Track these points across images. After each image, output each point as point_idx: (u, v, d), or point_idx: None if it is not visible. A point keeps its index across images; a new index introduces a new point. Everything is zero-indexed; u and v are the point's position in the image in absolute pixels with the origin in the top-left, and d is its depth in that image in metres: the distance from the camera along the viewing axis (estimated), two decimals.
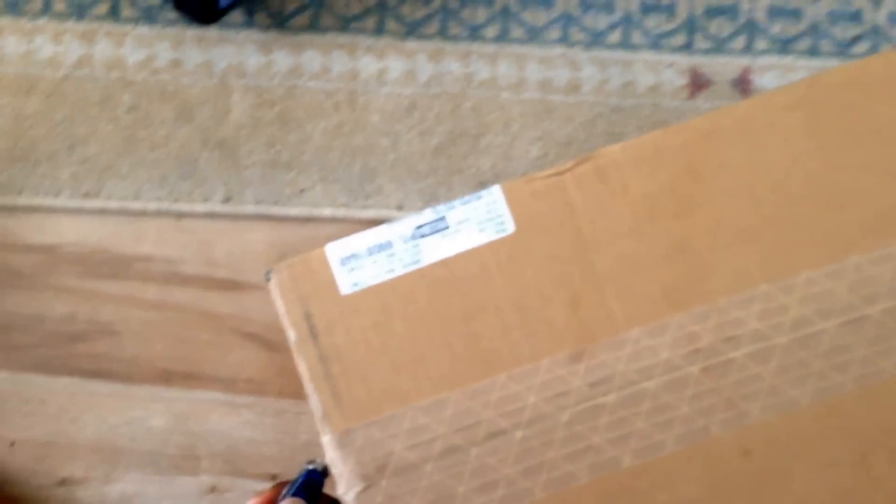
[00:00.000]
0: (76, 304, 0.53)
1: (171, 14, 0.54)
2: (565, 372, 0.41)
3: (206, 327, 0.53)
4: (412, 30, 0.55)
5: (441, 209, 0.42)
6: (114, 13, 0.54)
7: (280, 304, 0.41)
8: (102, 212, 0.54)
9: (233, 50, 0.55)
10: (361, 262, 0.41)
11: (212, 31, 0.54)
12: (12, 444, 0.51)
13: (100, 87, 0.54)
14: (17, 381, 0.52)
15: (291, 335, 0.41)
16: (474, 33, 0.56)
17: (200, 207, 0.54)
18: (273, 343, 0.53)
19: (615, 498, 0.41)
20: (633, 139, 0.42)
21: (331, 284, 0.41)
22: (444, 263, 0.41)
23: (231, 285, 0.54)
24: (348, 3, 0.55)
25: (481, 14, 0.55)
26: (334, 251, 0.41)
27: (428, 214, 0.42)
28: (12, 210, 0.53)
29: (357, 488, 0.40)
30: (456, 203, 0.42)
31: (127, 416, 0.52)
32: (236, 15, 0.54)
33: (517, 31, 0.56)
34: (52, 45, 0.54)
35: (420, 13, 0.55)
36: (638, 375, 0.41)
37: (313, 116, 0.55)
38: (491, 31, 0.56)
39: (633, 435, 0.41)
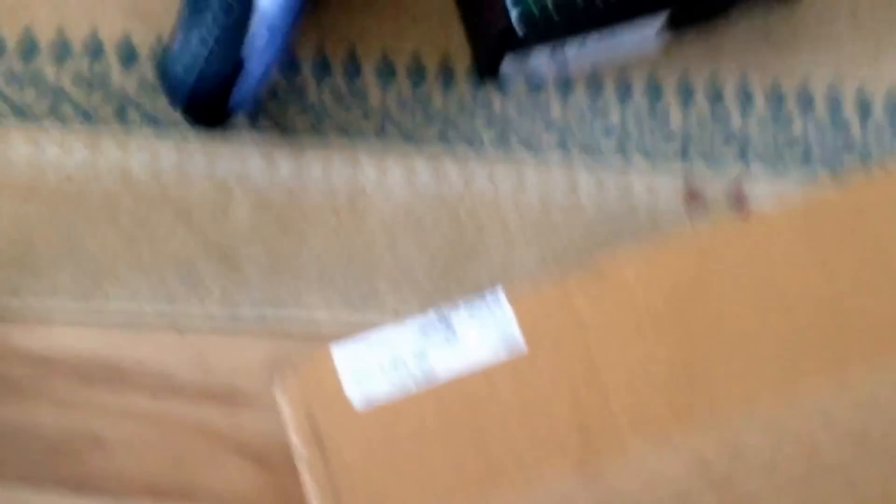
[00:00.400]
0: (67, 415, 0.53)
1: (177, 118, 0.55)
2: (570, 486, 0.41)
3: (199, 442, 0.52)
4: (412, 136, 0.56)
5: (446, 315, 0.42)
6: (120, 117, 0.55)
7: (287, 414, 0.41)
8: (99, 317, 0.54)
9: (235, 153, 0.55)
10: (371, 374, 0.41)
11: (215, 135, 0.55)
12: None
13: (102, 189, 0.55)
14: (2, 493, 0.50)
15: (297, 446, 0.41)
16: (473, 141, 0.57)
17: (198, 311, 0.54)
18: (269, 460, 0.52)
19: None
20: (638, 251, 0.43)
21: (339, 396, 0.41)
22: (453, 377, 0.42)
23: (225, 395, 0.53)
24: (350, 108, 0.56)
25: (480, 122, 0.57)
26: (343, 361, 0.42)
27: (434, 321, 0.42)
28: (6, 314, 0.53)
29: None
30: (461, 309, 0.42)
31: None
32: (240, 119, 0.55)
33: (516, 140, 0.57)
34: (57, 149, 0.55)
35: (420, 119, 0.57)
36: (643, 490, 0.41)
37: (313, 220, 0.55)
38: (489, 139, 0.57)
39: None
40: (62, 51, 0.55)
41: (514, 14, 0.48)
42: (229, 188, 0.55)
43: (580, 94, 0.57)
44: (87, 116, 0.55)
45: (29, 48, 0.55)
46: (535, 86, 0.57)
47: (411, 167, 0.56)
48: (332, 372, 0.41)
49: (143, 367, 0.53)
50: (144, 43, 0.56)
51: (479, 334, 0.42)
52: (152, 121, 0.55)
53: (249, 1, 0.48)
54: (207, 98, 0.50)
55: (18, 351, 0.53)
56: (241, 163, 0.55)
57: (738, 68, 0.58)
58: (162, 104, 0.55)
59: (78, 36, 0.56)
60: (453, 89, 0.57)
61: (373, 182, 0.56)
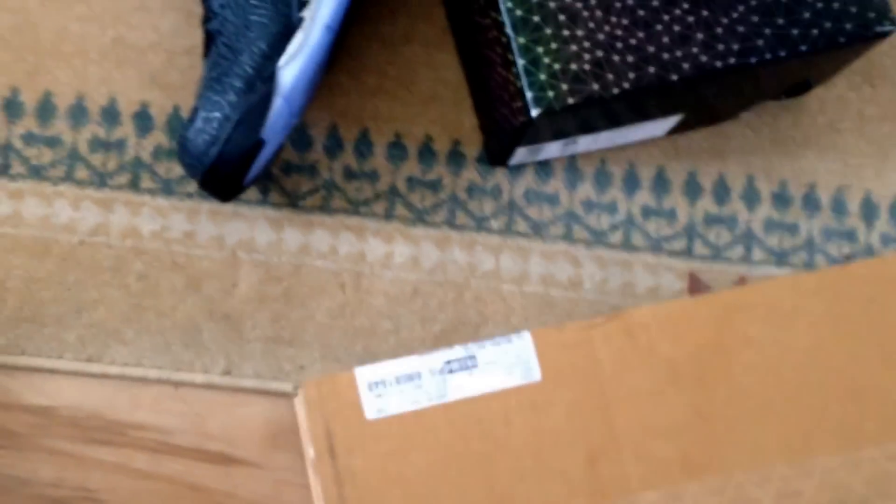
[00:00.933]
0: (65, 469, 0.59)
1: (189, 187, 0.63)
2: None
3: (193, 501, 0.58)
4: (420, 217, 0.64)
5: (472, 347, 0.47)
6: (133, 184, 0.63)
7: (303, 420, 0.46)
8: (102, 376, 0.60)
9: (245, 225, 0.63)
10: (389, 389, 0.47)
11: (226, 206, 0.62)
12: None
13: (113, 253, 0.62)
14: None
15: (310, 452, 0.46)
16: (480, 224, 0.65)
17: (200, 378, 0.61)
18: None
19: None
20: (663, 306, 0.48)
21: (356, 407, 0.46)
22: (469, 402, 0.46)
23: (222, 459, 0.60)
24: (360, 188, 0.65)
25: (488, 206, 0.65)
26: (363, 375, 0.47)
27: (458, 351, 0.47)
28: (12, 370, 0.60)
29: None
30: (487, 343, 0.47)
31: None
32: (251, 192, 0.63)
33: (522, 225, 0.65)
34: (71, 211, 0.62)
35: (429, 201, 0.65)
36: None
37: (318, 295, 0.62)
38: (497, 224, 0.65)
39: None
40: (80, 116, 0.63)
41: (535, 111, 0.54)
42: (238, 259, 0.62)
43: (588, 185, 0.65)
44: (101, 181, 0.62)
45: (48, 111, 0.63)
46: (545, 173, 0.66)
47: (418, 248, 0.63)
48: (352, 384, 0.46)
49: (142, 425, 0.59)
50: (161, 112, 0.63)
51: (500, 365, 0.46)
52: (165, 189, 0.63)
53: (271, 83, 0.55)
54: (226, 175, 0.56)
55: (20, 403, 0.59)
56: (250, 235, 0.63)
57: (745, 168, 0.66)
58: (175, 173, 0.63)
59: (96, 102, 0.63)
60: (463, 173, 0.64)
61: (380, 260, 0.63)
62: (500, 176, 0.65)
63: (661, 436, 0.46)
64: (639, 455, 0.46)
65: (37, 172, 0.63)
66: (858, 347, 0.48)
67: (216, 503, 0.59)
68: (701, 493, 0.46)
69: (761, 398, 0.47)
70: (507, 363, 0.47)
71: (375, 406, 0.46)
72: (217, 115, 0.55)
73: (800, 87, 0.65)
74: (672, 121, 0.62)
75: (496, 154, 0.64)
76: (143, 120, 0.64)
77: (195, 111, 0.56)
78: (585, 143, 0.63)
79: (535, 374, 0.47)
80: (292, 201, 0.64)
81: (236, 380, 0.61)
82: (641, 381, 0.47)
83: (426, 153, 0.65)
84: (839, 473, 0.46)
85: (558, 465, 0.46)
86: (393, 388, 0.47)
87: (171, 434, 0.60)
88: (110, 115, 0.64)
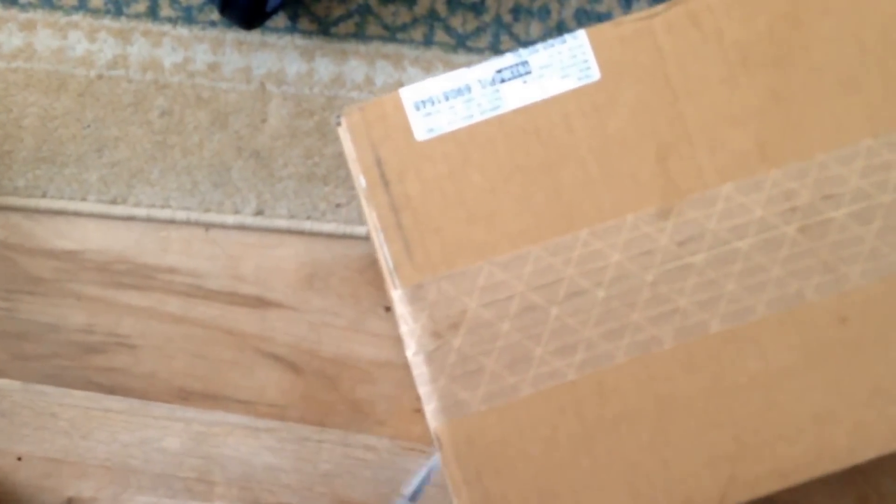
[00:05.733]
0: (95, 315, 0.59)
1: (212, 15, 0.60)
2: (651, 229, 0.44)
3: (228, 345, 0.59)
4: (462, 42, 0.61)
5: (523, 53, 0.45)
6: (152, 12, 0.61)
7: (350, 149, 0.45)
8: (129, 219, 0.60)
9: (273, 55, 0.61)
10: (438, 106, 0.45)
11: (253, 35, 0.60)
12: (19, 458, 0.57)
13: (133, 88, 0.60)
14: (29, 392, 0.57)
15: (361, 182, 0.44)
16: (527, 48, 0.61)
17: (230, 219, 0.60)
18: (297, 365, 0.59)
19: (702, 364, 0.44)
20: None
21: (405, 129, 0.45)
22: (525, 111, 0.45)
23: (257, 302, 0.59)
24: (396, 12, 0.61)
25: (535, 29, 0.61)
26: (409, 94, 0.45)
27: (509, 58, 0.45)
28: (34, 213, 0.59)
29: (429, 347, 0.44)
30: (539, 47, 0.45)
31: (141, 435, 0.57)
32: (279, 19, 0.60)
33: None
34: (87, 43, 0.60)
35: (471, 25, 0.61)
36: (729, 234, 0.44)
37: None
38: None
39: (722, 298, 0.44)
40: None
41: None
42: (267, 92, 0.60)
43: (644, 4, 0.62)
44: (117, 9, 0.60)
45: None
46: None
47: None
48: (398, 105, 0.44)
49: (173, 269, 0.59)
50: None
51: (555, 68, 0.45)
52: (186, 17, 0.60)
53: None
54: None
55: (45, 247, 0.59)
56: (279, 65, 0.60)
57: None
58: (197, 0, 0.61)
59: None
60: None
61: None
62: None
63: (736, 124, 0.45)
64: (713, 147, 0.45)
65: (48, 1, 0.60)
66: None
67: (252, 347, 0.58)
68: (782, 178, 0.45)
69: (844, 71, 0.45)
70: (562, 65, 0.45)
71: (425, 126, 0.45)
72: None
73: None
74: None
75: None
76: None
77: None
78: None
79: (594, 74, 0.45)
80: (324, 28, 0.60)
81: (269, 220, 0.59)
82: (710, 69, 0.45)
83: None
84: None
85: (627, 166, 0.45)
86: (442, 104, 0.45)
87: (203, 277, 0.59)
88: None
